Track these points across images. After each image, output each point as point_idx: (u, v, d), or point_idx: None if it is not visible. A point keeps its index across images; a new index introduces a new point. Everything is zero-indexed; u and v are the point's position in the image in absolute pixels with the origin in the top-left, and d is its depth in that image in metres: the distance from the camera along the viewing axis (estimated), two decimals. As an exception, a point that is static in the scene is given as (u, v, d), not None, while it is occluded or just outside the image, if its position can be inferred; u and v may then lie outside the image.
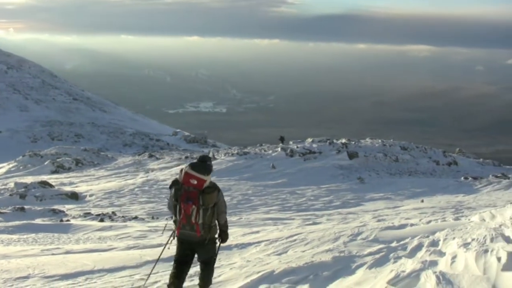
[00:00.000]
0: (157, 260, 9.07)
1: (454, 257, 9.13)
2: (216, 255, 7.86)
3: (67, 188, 31.09)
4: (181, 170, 7.32)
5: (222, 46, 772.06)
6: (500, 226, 12.38)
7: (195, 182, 7.12)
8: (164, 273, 9.71)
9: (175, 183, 7.37)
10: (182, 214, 7.20)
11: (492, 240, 10.62)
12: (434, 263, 9.00)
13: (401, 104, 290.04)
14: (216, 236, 7.71)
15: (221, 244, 7.89)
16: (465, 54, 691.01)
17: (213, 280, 8.31)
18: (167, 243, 8.09)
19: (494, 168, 44.73)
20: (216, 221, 7.58)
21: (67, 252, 12.66)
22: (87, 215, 22.76)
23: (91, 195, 28.96)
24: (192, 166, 7.26)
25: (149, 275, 8.92)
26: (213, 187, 7.33)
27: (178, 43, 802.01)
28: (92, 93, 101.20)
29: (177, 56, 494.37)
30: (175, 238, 7.58)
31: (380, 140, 46.85)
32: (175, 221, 7.43)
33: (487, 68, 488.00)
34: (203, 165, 7.34)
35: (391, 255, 10.66)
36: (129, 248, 13.38)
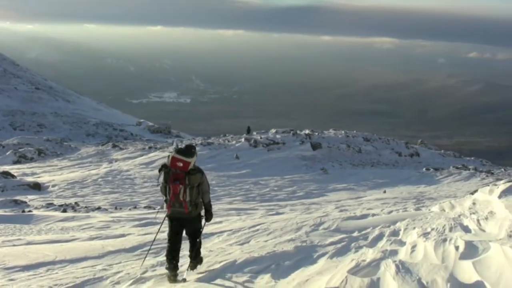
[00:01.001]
0: (153, 240, 10.03)
1: (414, 247, 9.27)
2: (202, 229, 8.89)
3: (30, 179, 30.69)
4: (168, 156, 8.31)
5: (187, 36, 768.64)
6: (459, 216, 12.59)
7: (181, 164, 8.15)
8: (126, 264, 9.69)
9: (164, 167, 8.40)
10: (171, 194, 8.20)
11: (451, 229, 10.80)
12: (394, 253, 9.11)
13: (364, 96, 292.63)
14: (202, 213, 8.72)
15: (206, 223, 8.84)
16: (428, 47, 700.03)
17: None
18: (162, 223, 9.25)
19: (454, 159, 45.45)
20: (201, 199, 8.53)
21: (29, 243, 12.51)
22: (49, 205, 22.51)
23: (53, 186, 28.61)
24: (177, 151, 8.33)
25: (144, 257, 9.05)
26: (197, 170, 8.35)
27: (142, 33, 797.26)
28: (55, 83, 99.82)
29: (141, 46, 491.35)
30: (167, 217, 8.58)
31: (343, 131, 47.21)
32: (165, 201, 8.43)
33: (449, 61, 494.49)
34: (186, 149, 8.39)
35: (352, 244, 10.76)
36: (91, 238, 13.27)
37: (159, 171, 8.49)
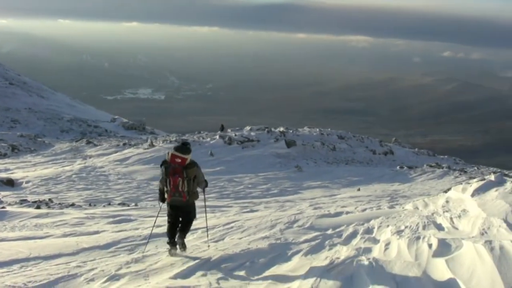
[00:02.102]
0: (150, 233, 11.23)
1: (387, 244, 9.34)
2: (195, 216, 10.12)
3: (3, 175, 30.33)
4: (168, 153, 9.62)
5: (162, 32, 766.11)
6: (433, 214, 12.71)
7: (179, 160, 9.48)
8: (101, 261, 9.64)
9: (164, 162, 9.66)
10: (171, 185, 9.48)
11: (424, 227, 10.90)
12: (368, 250, 9.18)
13: (339, 94, 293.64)
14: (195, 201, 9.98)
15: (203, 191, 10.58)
16: (403, 46, 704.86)
17: (150, 267, 8.97)
18: (158, 212, 11.16)
19: (428, 157, 45.75)
20: (197, 188, 9.89)
21: (2, 240, 12.36)
22: (23, 202, 22.27)
23: (27, 182, 28.30)
24: (176, 148, 9.59)
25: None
26: (193, 164, 9.67)
27: (117, 29, 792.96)
28: (29, 78, 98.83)
29: (115, 42, 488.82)
30: (166, 204, 9.86)
31: (318, 129, 47.29)
32: (166, 191, 9.64)
33: (424, 59, 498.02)
34: (184, 147, 9.69)
35: (327, 242, 10.81)
36: (65, 235, 13.15)
37: (161, 166, 9.71)
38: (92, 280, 8.34)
